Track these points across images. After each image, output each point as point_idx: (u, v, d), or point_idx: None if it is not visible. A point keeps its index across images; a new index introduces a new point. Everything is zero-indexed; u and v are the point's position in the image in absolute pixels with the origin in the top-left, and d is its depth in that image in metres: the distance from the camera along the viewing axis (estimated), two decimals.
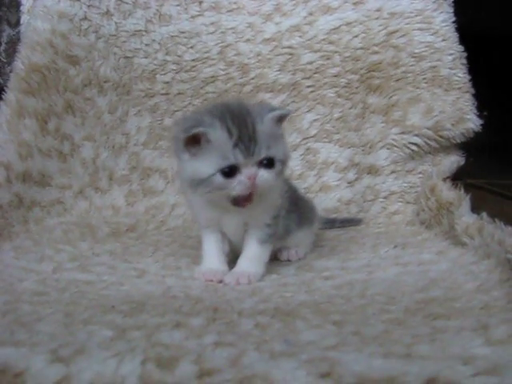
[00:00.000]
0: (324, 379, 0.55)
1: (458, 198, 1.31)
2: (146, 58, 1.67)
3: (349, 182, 1.61)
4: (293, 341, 0.66)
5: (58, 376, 0.55)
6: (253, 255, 1.05)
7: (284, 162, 0.98)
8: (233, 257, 1.09)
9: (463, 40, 1.63)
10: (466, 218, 1.21)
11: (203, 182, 0.93)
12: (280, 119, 0.98)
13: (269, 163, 0.94)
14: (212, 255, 1.08)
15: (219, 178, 0.92)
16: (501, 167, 1.83)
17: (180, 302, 0.85)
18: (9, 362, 0.57)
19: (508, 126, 1.95)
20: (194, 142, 0.92)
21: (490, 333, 0.67)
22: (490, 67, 1.74)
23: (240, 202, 0.96)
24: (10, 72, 1.55)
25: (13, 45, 1.62)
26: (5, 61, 1.61)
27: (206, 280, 1.03)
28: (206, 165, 0.92)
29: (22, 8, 1.70)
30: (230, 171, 0.91)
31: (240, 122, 0.92)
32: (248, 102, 1.05)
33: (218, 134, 0.91)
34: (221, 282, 1.02)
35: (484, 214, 1.17)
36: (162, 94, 1.68)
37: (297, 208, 1.17)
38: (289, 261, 1.19)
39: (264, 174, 0.93)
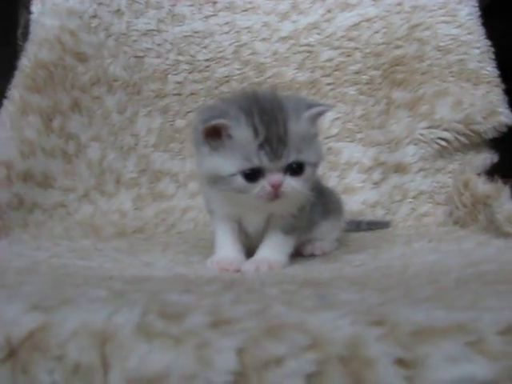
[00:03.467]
0: (376, 327, 0.43)
1: (495, 190, 1.19)
2: (157, 57, 1.60)
3: (374, 183, 1.49)
4: (329, 299, 0.54)
5: (35, 324, 0.44)
6: (275, 244, 0.93)
7: (316, 165, 0.87)
8: (248, 251, 0.96)
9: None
10: (507, 205, 1.10)
11: (222, 180, 0.83)
12: (318, 117, 0.87)
13: (298, 168, 0.83)
14: (227, 243, 0.96)
15: (240, 180, 0.81)
16: None
17: (191, 277, 0.73)
18: None
19: None
20: (214, 134, 0.82)
21: None
22: None
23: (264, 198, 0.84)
24: None
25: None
26: (22, 44, 1.53)
27: (220, 269, 0.90)
28: (226, 162, 0.82)
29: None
30: (252, 174, 0.81)
31: (270, 120, 0.80)
32: (282, 93, 0.92)
33: (242, 131, 0.80)
34: (238, 271, 0.89)
35: None
36: (174, 95, 1.60)
37: (322, 198, 1.05)
38: (313, 255, 1.06)
39: (291, 182, 0.82)
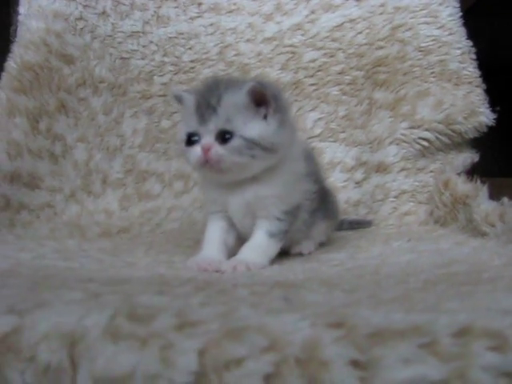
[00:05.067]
0: (334, 329, 0.45)
1: (474, 190, 1.21)
2: (142, 59, 1.62)
3: (356, 182, 1.51)
4: (295, 300, 0.56)
5: (8, 328, 0.46)
6: (257, 245, 0.95)
7: (255, 143, 0.87)
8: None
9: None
10: (484, 205, 1.12)
11: (180, 151, 0.96)
12: (255, 97, 0.87)
13: (227, 137, 0.87)
14: (211, 244, 0.98)
15: (183, 146, 0.92)
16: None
17: (168, 279, 0.75)
18: None
19: None
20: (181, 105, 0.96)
21: None
22: None
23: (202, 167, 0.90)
24: None
25: None
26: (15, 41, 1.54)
27: (199, 269, 0.91)
28: (181, 130, 0.93)
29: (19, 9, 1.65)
30: (190, 139, 0.90)
31: (209, 90, 0.90)
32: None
33: (189, 101, 0.91)
34: (217, 271, 0.91)
35: (505, 199, 1.08)
36: (160, 96, 1.61)
37: (323, 204, 1.10)
38: (301, 254, 1.08)
39: (217, 149, 0.86)
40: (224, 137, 0.86)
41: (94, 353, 0.43)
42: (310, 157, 1.07)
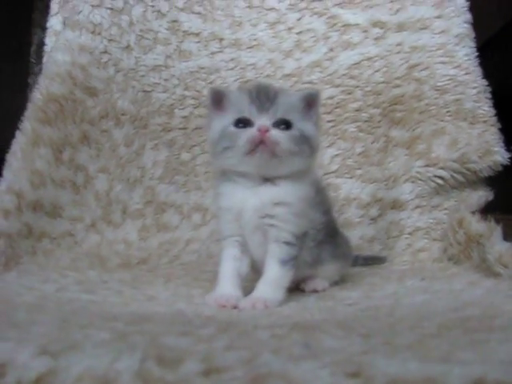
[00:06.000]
0: (352, 379, 0.47)
1: (488, 229, 1.23)
2: (164, 92, 1.67)
3: (372, 219, 1.53)
4: (314, 346, 0.58)
5: (43, 369, 0.48)
6: (272, 279, 0.98)
7: (307, 140, 0.96)
8: (255, 277, 1.01)
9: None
10: (498, 246, 1.13)
11: (220, 137, 0.96)
12: (309, 102, 0.98)
13: (285, 126, 0.94)
14: (226, 279, 1.01)
15: (231, 129, 0.94)
16: None
17: (189, 317, 0.77)
18: None
19: None
20: (217, 103, 0.98)
21: None
22: None
23: (253, 148, 0.92)
24: (39, 73, 1.58)
25: (43, 47, 1.68)
26: (34, 62, 1.60)
27: (218, 305, 0.95)
28: (224, 119, 0.96)
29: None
30: (241, 122, 0.94)
31: (265, 88, 0.97)
32: None
33: (237, 95, 0.98)
34: (235, 307, 0.94)
35: None
36: (180, 129, 1.65)
37: (333, 240, 1.13)
38: (315, 291, 1.11)
39: (278, 133, 0.92)
40: (281, 126, 0.93)
41: None
42: (320, 189, 1.12)
